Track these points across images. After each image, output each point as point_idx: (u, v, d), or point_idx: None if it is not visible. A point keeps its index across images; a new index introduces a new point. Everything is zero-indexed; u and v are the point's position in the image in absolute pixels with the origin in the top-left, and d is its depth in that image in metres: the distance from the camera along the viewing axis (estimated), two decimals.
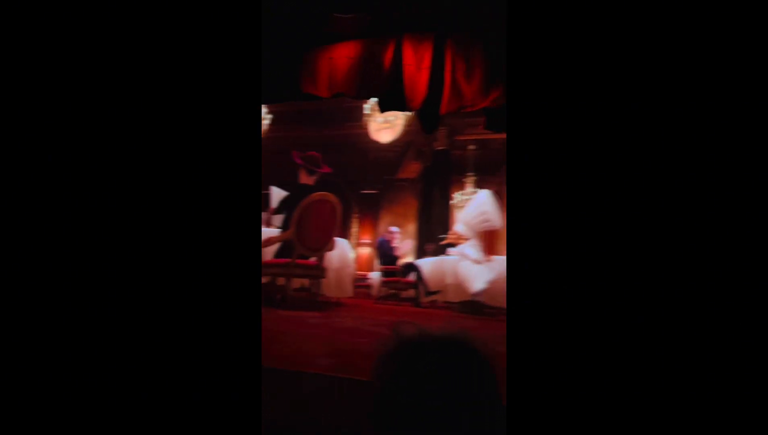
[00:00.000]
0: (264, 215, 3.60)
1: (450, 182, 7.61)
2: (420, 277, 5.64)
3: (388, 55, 2.92)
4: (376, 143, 7.14)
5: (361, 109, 6.72)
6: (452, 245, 5.53)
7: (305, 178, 3.22)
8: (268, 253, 3.19)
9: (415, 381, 0.70)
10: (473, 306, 4.83)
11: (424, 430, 0.67)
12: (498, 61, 2.83)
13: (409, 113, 3.60)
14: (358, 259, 7.23)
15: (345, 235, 7.12)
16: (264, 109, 6.65)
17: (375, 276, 6.24)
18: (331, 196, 3.12)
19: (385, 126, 6.88)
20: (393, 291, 5.93)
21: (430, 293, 5.49)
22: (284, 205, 3.18)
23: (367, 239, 8.08)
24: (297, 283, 3.34)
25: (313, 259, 3.24)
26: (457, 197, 8.01)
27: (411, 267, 5.83)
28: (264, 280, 3.12)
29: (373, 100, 3.18)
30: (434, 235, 7.01)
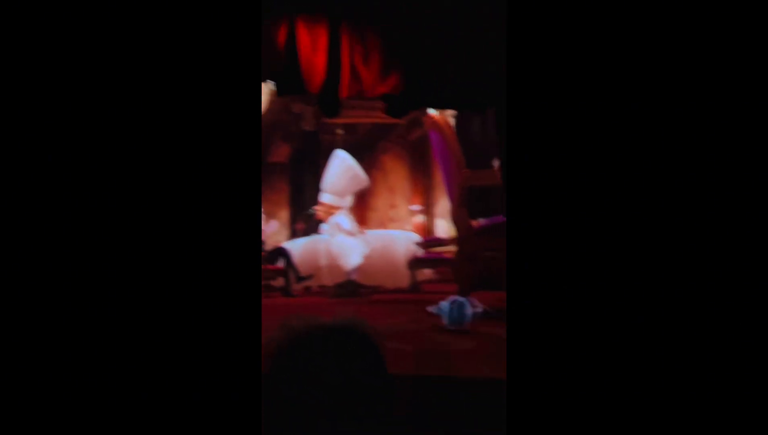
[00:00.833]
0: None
1: (321, 167, 7.47)
2: (289, 262, 5.09)
3: (282, 36, 2.81)
4: None
5: None
6: (323, 222, 5.23)
7: None
8: None
9: (309, 374, 0.70)
10: (348, 287, 4.63)
11: (324, 420, 0.68)
12: (395, 47, 2.87)
13: (271, 88, 3.47)
14: None
15: None
16: None
17: None
18: None
19: None
20: (264, 283, 5.47)
21: (301, 279, 5.04)
22: None
23: None
24: None
25: None
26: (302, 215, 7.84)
27: (279, 252, 5.24)
28: None
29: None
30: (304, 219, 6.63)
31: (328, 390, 0.69)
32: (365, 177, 4.91)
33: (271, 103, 6.12)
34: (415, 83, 2.85)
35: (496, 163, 3.44)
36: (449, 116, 4.01)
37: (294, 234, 6.63)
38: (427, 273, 5.48)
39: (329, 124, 7.25)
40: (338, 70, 2.85)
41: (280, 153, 7.73)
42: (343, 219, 5.10)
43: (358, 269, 4.91)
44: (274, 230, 6.37)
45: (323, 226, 5.22)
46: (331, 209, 5.07)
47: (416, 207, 8.18)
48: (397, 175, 8.46)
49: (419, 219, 7.87)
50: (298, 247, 5.37)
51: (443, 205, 7.98)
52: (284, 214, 7.74)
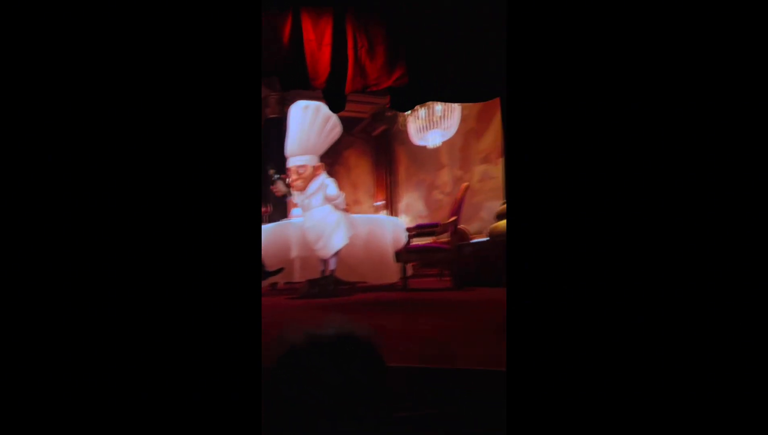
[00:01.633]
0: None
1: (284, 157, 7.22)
2: None
3: (287, 30, 2.77)
4: None
5: None
6: (298, 191, 4.03)
7: None
8: None
9: (310, 384, 0.72)
10: (324, 284, 3.74)
11: (323, 420, 0.71)
12: (400, 39, 2.89)
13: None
14: None
15: None
16: None
17: None
18: None
19: None
20: None
21: (268, 274, 4.30)
22: None
23: None
24: None
25: None
26: (272, 178, 7.49)
27: None
28: None
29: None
30: (269, 201, 5.53)
31: (329, 391, 0.71)
32: (337, 121, 3.83)
33: None
34: (419, 76, 2.88)
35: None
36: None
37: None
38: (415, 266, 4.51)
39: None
40: (343, 65, 2.84)
41: None
42: (329, 182, 3.94)
43: (340, 259, 3.97)
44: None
45: (298, 198, 4.07)
46: (309, 172, 3.88)
47: (380, 203, 8.21)
48: (360, 170, 8.48)
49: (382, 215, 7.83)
50: (263, 236, 4.33)
51: (407, 201, 8.08)
52: None
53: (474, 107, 6.19)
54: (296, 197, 4.08)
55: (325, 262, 3.88)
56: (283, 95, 6.35)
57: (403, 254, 4.14)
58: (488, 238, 4.30)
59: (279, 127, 6.33)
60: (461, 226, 4.49)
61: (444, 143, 6.38)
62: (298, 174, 3.90)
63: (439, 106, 5.88)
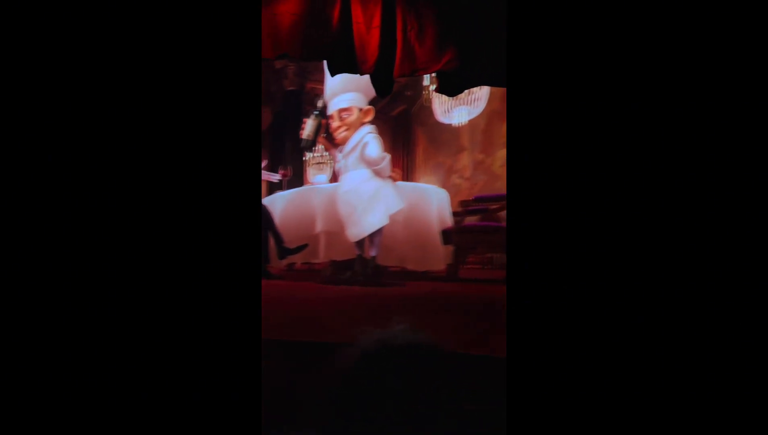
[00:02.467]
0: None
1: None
2: (269, 224, 3.30)
3: (336, 14, 2.69)
4: None
5: None
6: (338, 144, 3.19)
7: None
8: None
9: (380, 387, 0.71)
10: (363, 269, 2.90)
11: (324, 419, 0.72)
12: (450, 22, 2.81)
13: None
14: None
15: None
16: None
17: None
18: None
19: None
20: None
21: (288, 252, 3.32)
22: None
23: None
24: None
25: None
26: (308, 154, 7.51)
27: None
28: None
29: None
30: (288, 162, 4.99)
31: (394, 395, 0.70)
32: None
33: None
34: (470, 60, 2.81)
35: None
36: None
37: (274, 185, 4.55)
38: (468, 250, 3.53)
39: (311, 94, 6.11)
40: (392, 48, 2.77)
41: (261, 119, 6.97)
42: (370, 138, 3.11)
43: (378, 239, 2.98)
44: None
45: (338, 154, 3.22)
46: (355, 116, 2.94)
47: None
48: None
49: None
50: (280, 204, 3.53)
51: (423, 182, 8.02)
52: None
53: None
54: (337, 157, 3.19)
55: (361, 243, 3.06)
56: (301, 66, 5.98)
57: (454, 235, 3.34)
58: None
59: (298, 99, 6.13)
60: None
61: (465, 125, 6.27)
62: (341, 119, 3.05)
63: None
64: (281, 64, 6.18)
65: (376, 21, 2.73)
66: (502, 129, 6.29)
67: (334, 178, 4.21)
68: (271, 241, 3.29)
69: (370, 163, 3.06)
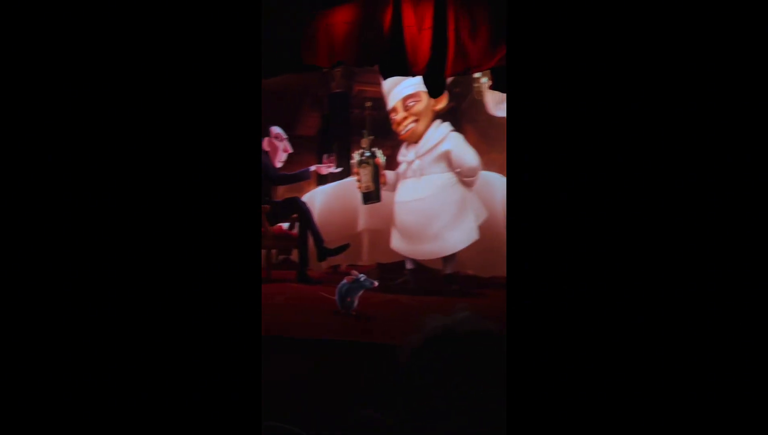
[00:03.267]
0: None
1: (349, 141, 5.57)
2: (307, 223, 2.91)
3: (387, 18, 2.76)
4: None
5: None
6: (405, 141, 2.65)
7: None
8: None
9: (438, 374, 0.70)
10: (411, 276, 2.52)
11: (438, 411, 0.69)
12: (501, 18, 2.78)
13: None
14: None
15: None
16: None
17: None
18: None
19: None
20: (283, 257, 3.28)
21: (328, 252, 2.92)
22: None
23: None
24: None
25: None
26: (355, 157, 6.81)
27: (290, 204, 2.99)
28: None
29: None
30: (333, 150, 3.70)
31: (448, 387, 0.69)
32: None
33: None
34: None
35: None
36: None
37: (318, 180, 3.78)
38: None
39: (359, 97, 5.49)
40: (444, 48, 2.79)
41: (308, 124, 6.67)
42: (461, 140, 2.72)
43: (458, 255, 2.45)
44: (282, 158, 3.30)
45: (408, 152, 2.73)
46: (424, 104, 2.51)
47: None
48: None
49: None
50: (321, 198, 3.09)
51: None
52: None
53: None
54: (405, 155, 2.63)
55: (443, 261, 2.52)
56: (348, 68, 5.79)
57: None
58: None
59: (344, 102, 5.28)
60: None
61: None
62: (407, 108, 2.62)
63: None
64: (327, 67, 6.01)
65: (428, 22, 2.77)
66: None
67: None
68: (311, 242, 2.94)
69: (464, 173, 2.72)
